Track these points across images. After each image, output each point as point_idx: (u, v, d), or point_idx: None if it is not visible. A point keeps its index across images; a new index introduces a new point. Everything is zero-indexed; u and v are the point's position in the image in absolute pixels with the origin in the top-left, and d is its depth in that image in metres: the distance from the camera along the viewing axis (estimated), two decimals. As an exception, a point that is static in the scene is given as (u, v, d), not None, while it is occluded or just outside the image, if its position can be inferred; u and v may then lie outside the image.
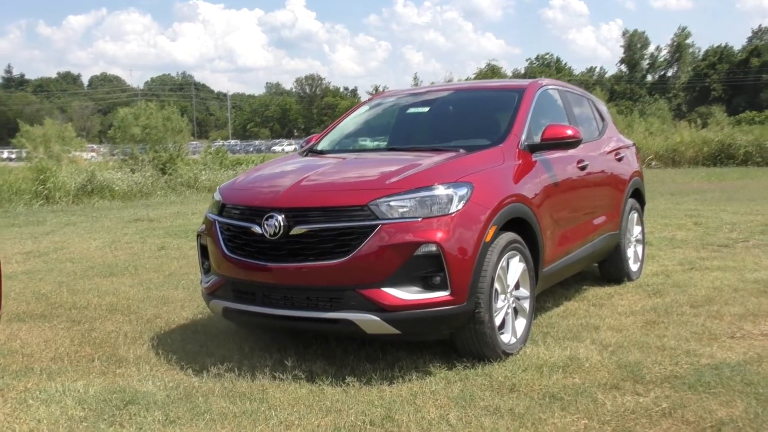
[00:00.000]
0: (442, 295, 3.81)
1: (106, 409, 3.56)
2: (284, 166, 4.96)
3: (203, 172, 21.41)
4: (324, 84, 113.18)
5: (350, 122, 5.93)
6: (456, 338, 4.09)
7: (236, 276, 4.21)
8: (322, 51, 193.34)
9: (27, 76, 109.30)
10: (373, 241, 3.77)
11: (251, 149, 65.92)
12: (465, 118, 5.40)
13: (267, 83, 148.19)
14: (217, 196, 4.56)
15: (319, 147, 5.51)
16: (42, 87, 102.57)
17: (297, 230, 3.91)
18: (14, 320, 5.47)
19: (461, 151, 4.57)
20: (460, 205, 3.92)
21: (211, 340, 4.73)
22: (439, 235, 3.80)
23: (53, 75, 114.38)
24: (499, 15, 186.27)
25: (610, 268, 6.21)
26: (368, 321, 3.79)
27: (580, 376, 3.81)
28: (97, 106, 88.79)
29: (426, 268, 3.80)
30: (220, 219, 4.38)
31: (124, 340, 4.82)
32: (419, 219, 3.83)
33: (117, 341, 4.79)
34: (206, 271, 4.55)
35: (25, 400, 3.73)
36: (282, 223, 3.93)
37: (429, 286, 3.82)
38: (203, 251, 4.58)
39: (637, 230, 6.57)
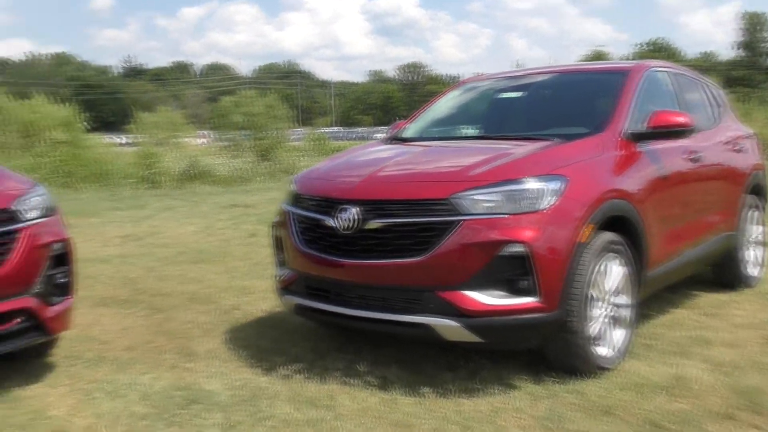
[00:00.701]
0: (529, 300, 3.43)
1: (169, 407, 3.43)
2: (364, 155, 4.68)
3: (302, 159, 21.60)
4: (426, 71, 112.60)
5: (439, 108, 5.58)
6: (545, 349, 3.70)
7: (309, 271, 3.97)
8: (424, 38, 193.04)
9: (145, 66, 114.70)
10: (454, 238, 3.43)
11: (354, 136, 66.43)
12: (562, 104, 4.94)
13: (370, 71, 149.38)
14: (292, 186, 4.34)
15: (404, 134, 5.20)
16: (158, 76, 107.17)
17: (372, 224, 3.62)
18: (99, 305, 5.49)
19: (556, 140, 4.14)
20: (553, 201, 3.51)
21: (286, 337, 4.53)
22: (528, 234, 3.41)
23: (168, 64, 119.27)
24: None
25: (724, 272, 5.58)
26: (447, 327, 3.46)
27: (687, 401, 3.32)
28: (208, 94, 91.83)
29: (512, 271, 3.42)
30: (294, 210, 4.15)
31: (198, 331, 4.71)
32: (506, 215, 3.45)
33: (192, 333, 4.68)
34: (281, 263, 4.34)
35: (90, 392, 3.66)
36: (356, 217, 3.65)
37: (515, 291, 3.43)
38: (278, 243, 4.37)
39: (757, 230, 5.89)
